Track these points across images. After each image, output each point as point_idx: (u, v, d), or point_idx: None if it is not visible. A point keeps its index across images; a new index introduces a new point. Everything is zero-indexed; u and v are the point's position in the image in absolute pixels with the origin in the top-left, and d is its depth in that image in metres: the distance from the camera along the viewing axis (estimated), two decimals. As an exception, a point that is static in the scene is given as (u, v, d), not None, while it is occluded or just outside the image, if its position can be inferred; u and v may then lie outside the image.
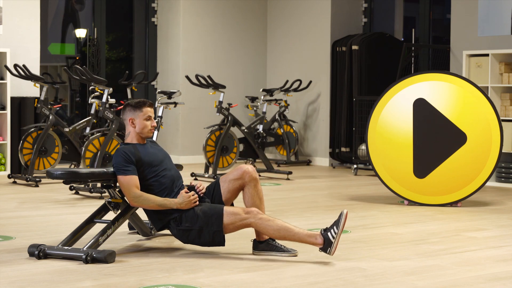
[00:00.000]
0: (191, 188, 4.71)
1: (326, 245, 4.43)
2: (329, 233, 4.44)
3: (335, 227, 4.44)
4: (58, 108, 9.48)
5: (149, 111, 4.76)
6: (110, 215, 4.81)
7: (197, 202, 4.61)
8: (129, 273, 4.16)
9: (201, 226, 4.54)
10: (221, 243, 4.57)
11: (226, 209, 4.53)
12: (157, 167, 4.69)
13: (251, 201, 4.67)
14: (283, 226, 4.49)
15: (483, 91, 6.86)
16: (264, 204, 4.77)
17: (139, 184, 4.61)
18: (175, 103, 8.42)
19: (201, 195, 4.70)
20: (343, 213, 4.45)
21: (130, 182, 4.57)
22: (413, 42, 10.23)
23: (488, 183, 8.35)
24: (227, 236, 4.64)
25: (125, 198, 4.77)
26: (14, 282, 3.94)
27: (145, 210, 4.74)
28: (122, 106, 8.56)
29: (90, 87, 8.13)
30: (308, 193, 7.87)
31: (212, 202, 4.71)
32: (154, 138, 7.92)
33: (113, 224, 4.61)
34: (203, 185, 4.75)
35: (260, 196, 4.70)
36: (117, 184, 4.73)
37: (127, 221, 5.08)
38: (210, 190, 4.77)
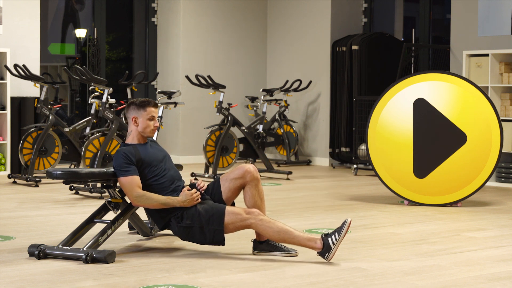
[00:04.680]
0: (192, 185, 4.72)
1: (325, 250, 4.42)
2: (329, 239, 4.43)
3: (336, 234, 4.43)
4: (58, 108, 9.48)
5: (153, 111, 4.75)
6: (110, 215, 4.81)
7: (199, 200, 4.62)
8: (129, 273, 4.16)
9: (202, 224, 4.54)
10: (221, 242, 4.56)
11: (228, 208, 4.53)
12: (157, 167, 4.69)
13: (252, 201, 4.66)
14: (283, 228, 4.49)
15: (483, 91, 6.86)
16: (265, 204, 4.77)
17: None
18: (175, 103, 8.42)
19: (202, 191, 4.71)
20: (347, 221, 4.44)
21: (132, 182, 4.56)
22: (413, 42, 10.23)
23: (488, 183, 8.35)
24: (227, 236, 4.65)
25: (125, 198, 4.77)
26: (14, 282, 3.94)
27: (147, 210, 4.74)
28: (122, 106, 8.60)
29: (90, 87, 8.13)
30: (308, 193, 7.87)
31: (212, 200, 4.71)
32: (154, 138, 7.92)
33: (113, 224, 4.61)
34: (203, 182, 4.76)
35: (261, 196, 4.70)
36: (117, 184, 4.73)
37: (127, 221, 5.08)
38: (210, 188, 4.77)
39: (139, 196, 4.56)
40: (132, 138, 4.76)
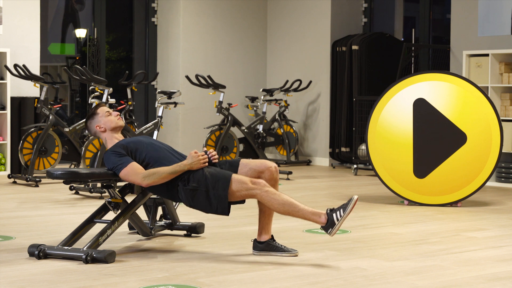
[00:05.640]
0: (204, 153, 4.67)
1: (329, 225, 4.38)
2: (334, 214, 4.38)
3: (341, 210, 4.38)
4: (58, 108, 9.48)
5: (104, 109, 4.81)
6: (110, 215, 4.81)
7: (207, 163, 4.58)
8: (129, 273, 4.16)
9: (208, 188, 4.47)
10: (225, 211, 4.47)
11: (234, 176, 4.47)
12: (144, 146, 4.66)
13: None
14: (288, 201, 4.44)
15: (483, 91, 6.87)
16: None
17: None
18: (175, 103, 8.42)
19: (213, 161, 4.66)
20: (353, 198, 4.37)
21: (132, 169, 4.54)
22: (413, 42, 10.23)
23: (488, 183, 8.35)
24: (227, 234, 4.64)
25: (125, 198, 4.77)
26: (14, 282, 3.94)
27: (158, 190, 4.64)
28: (122, 106, 8.60)
29: (90, 87, 8.13)
30: (308, 193, 7.87)
31: None
32: (154, 138, 7.92)
33: (113, 224, 4.60)
34: (215, 152, 4.72)
35: None
36: (117, 184, 4.73)
37: (127, 221, 5.08)
38: (227, 164, 4.70)
39: (147, 175, 4.52)
40: (110, 142, 4.76)
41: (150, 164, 4.60)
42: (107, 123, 4.77)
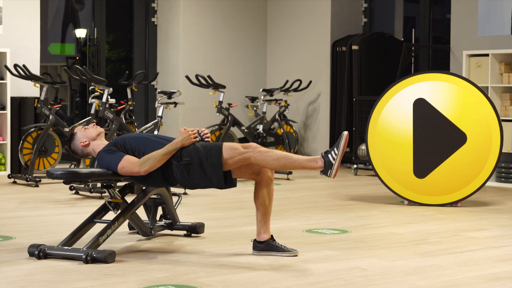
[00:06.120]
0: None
1: (327, 168, 4.37)
2: (329, 155, 4.37)
3: (335, 149, 4.37)
4: (58, 108, 9.48)
5: (78, 127, 4.88)
6: (110, 215, 4.81)
7: (198, 137, 4.58)
8: (129, 273, 4.16)
9: (201, 160, 4.47)
10: (220, 180, 4.47)
11: (225, 144, 4.50)
12: (131, 139, 4.67)
13: (261, 199, 4.58)
14: (282, 154, 4.44)
15: (483, 91, 6.87)
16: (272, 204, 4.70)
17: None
18: (175, 103, 8.42)
19: (206, 140, 4.66)
20: (343, 134, 4.37)
21: (127, 161, 4.53)
22: (413, 42, 10.23)
23: (488, 183, 8.35)
24: (227, 234, 4.64)
25: (125, 198, 4.77)
26: (14, 282, 3.94)
27: (154, 178, 4.62)
28: (122, 106, 8.60)
29: (90, 87, 8.13)
30: (308, 193, 7.87)
31: None
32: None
33: (113, 224, 4.60)
34: (207, 130, 4.72)
35: (270, 197, 4.63)
36: (118, 184, 4.73)
37: (127, 221, 5.08)
38: None
39: (142, 162, 4.51)
40: (98, 149, 4.77)
41: (142, 151, 4.61)
42: (88, 134, 4.82)
